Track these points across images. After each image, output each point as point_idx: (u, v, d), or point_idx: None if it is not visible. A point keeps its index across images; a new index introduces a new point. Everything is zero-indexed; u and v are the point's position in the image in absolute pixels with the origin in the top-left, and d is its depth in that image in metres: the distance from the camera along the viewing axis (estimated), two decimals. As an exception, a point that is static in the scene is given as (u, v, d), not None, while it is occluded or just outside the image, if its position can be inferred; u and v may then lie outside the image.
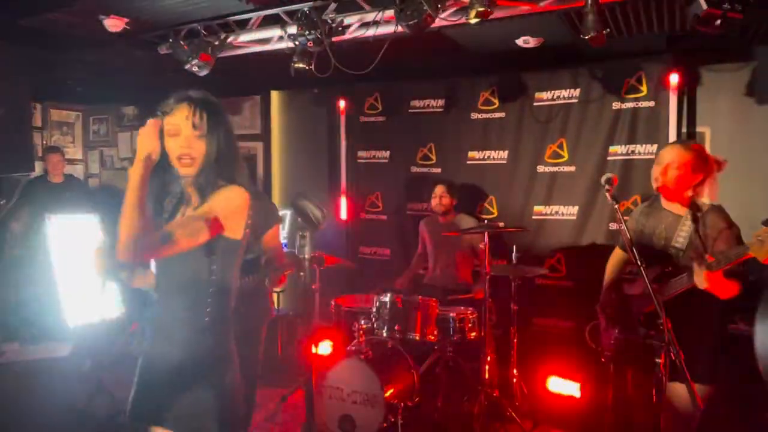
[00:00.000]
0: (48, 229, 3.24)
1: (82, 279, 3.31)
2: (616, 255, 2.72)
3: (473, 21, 2.46)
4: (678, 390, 2.13)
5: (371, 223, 4.99)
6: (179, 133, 1.63)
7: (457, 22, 2.71)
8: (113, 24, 3.19)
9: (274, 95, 5.61)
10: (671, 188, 2.30)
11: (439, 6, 2.52)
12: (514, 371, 3.62)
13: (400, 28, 2.72)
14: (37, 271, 3.24)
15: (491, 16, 2.60)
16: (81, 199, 4.89)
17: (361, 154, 5.01)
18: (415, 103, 4.71)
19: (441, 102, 4.61)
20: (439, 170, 4.62)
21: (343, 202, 5.06)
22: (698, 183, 2.30)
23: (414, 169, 4.77)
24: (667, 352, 1.86)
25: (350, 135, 5.02)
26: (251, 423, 3.18)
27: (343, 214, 5.07)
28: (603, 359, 2.49)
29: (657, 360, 1.89)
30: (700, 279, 2.07)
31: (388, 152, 4.87)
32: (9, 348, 2.92)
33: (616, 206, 2.05)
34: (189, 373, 1.62)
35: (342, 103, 5.01)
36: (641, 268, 1.94)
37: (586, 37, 2.61)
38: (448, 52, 4.07)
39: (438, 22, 2.66)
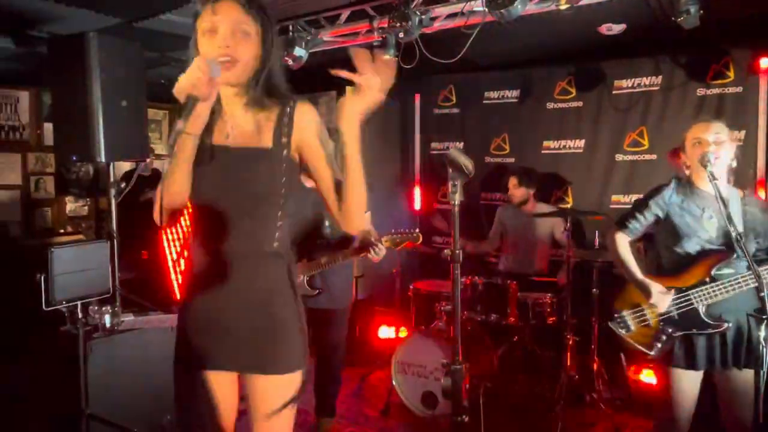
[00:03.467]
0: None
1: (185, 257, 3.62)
2: (623, 239, 2.44)
3: (564, 7, 2.52)
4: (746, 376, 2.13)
5: (444, 214, 5.09)
6: (217, 28, 1.36)
7: (546, 9, 2.78)
8: (216, 22, 3.45)
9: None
10: None
11: (529, -6, 2.60)
12: (595, 357, 3.64)
13: (487, 18, 2.82)
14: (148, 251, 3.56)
15: (578, 3, 2.66)
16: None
17: (434, 145, 5.13)
18: (490, 94, 4.78)
19: (516, 93, 4.66)
20: (512, 160, 4.68)
21: (417, 193, 5.21)
22: None
23: (487, 159, 4.84)
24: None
25: (424, 127, 5.15)
26: (337, 397, 3.37)
27: (417, 205, 5.22)
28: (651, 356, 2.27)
29: (759, 333, 1.91)
30: None
31: (461, 143, 4.96)
32: (126, 318, 3.22)
33: (715, 182, 2.07)
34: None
35: (416, 96, 5.15)
36: (742, 243, 1.97)
37: (679, 20, 2.61)
38: (526, 43, 4.12)
39: (526, 10, 2.73)
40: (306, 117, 1.48)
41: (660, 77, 4.08)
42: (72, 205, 6.03)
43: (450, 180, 1.69)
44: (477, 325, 3.56)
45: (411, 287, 4.17)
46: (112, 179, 3.18)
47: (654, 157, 4.12)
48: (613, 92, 4.25)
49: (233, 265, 1.45)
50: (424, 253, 4.42)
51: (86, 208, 6.16)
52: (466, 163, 1.65)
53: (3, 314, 3.86)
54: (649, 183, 4.12)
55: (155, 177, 4.94)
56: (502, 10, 2.56)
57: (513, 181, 4.09)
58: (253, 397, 1.51)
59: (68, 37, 3.02)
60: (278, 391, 1.48)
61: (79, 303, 2.91)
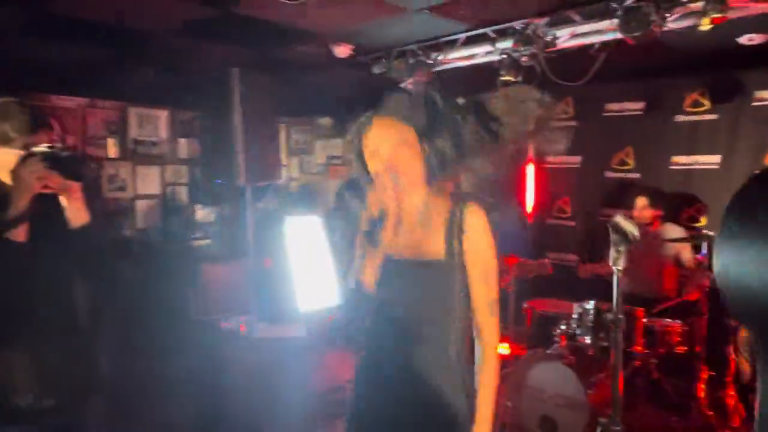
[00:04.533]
0: (285, 227, 3.83)
1: (311, 271, 3.84)
2: None
3: (706, 28, 2.39)
4: None
5: (557, 229, 4.97)
6: (379, 148, 1.41)
7: (684, 28, 2.64)
8: (341, 50, 3.65)
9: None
10: None
11: (666, 15, 2.49)
12: (731, 392, 3.39)
13: (616, 35, 2.74)
14: (279, 263, 3.83)
15: (723, 21, 2.50)
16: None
17: (549, 159, 5.02)
18: (612, 106, 4.59)
19: (641, 105, 4.44)
20: (638, 176, 4.46)
21: (529, 207, 5.12)
22: None
23: (608, 174, 4.66)
24: None
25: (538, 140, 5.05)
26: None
27: (529, 219, 5.13)
28: None
29: None
30: None
31: (579, 157, 4.81)
32: (260, 326, 3.50)
33: None
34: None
35: (530, 109, 5.05)
36: None
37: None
38: (653, 54, 3.91)
39: (662, 29, 2.62)
40: (477, 224, 1.45)
41: (811, 87, 3.71)
42: (201, 213, 6.62)
43: (613, 246, 1.64)
44: (599, 350, 3.44)
45: (525, 305, 4.13)
46: (251, 200, 3.47)
47: (803, 174, 3.74)
48: (753, 104, 3.92)
49: (410, 373, 1.43)
50: (539, 275, 4.34)
51: (212, 215, 6.74)
52: (632, 229, 1.60)
53: (149, 314, 4.32)
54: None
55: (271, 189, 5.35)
56: (637, 33, 2.47)
57: (642, 202, 3.89)
58: None
59: (215, 72, 3.35)
60: None
61: (220, 311, 3.22)
